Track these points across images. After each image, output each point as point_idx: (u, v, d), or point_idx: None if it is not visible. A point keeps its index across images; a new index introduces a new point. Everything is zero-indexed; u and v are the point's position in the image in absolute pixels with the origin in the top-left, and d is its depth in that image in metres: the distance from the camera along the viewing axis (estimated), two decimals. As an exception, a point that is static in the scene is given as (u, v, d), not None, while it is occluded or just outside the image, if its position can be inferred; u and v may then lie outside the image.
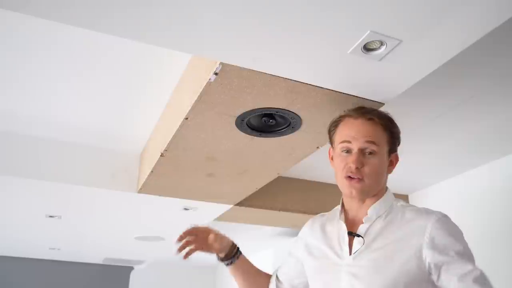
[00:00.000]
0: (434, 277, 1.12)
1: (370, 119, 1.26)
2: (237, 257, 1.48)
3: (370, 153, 1.22)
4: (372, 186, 1.23)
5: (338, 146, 1.27)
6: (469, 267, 1.09)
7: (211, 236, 1.46)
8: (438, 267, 1.11)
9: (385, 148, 1.25)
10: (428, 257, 1.12)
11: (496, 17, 1.15)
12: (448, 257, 1.10)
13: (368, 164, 1.22)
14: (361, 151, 1.23)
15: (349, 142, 1.24)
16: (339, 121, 1.32)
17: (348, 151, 1.24)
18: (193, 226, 1.47)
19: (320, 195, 2.94)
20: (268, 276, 1.53)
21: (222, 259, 1.48)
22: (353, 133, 1.25)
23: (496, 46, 1.58)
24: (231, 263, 1.47)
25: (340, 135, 1.28)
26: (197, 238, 1.45)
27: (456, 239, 1.13)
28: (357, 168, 1.21)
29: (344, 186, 1.24)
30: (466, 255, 1.11)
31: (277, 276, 1.50)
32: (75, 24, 1.21)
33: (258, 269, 1.53)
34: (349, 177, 1.22)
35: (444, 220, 1.16)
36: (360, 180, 1.21)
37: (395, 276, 1.12)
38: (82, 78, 1.93)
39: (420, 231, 1.15)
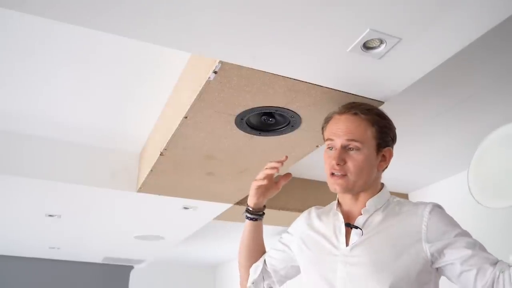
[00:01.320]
0: (438, 262, 1.15)
1: (354, 114, 1.26)
2: (262, 218, 1.51)
3: (353, 149, 1.23)
4: (356, 182, 1.23)
5: (325, 144, 1.30)
6: (471, 239, 1.15)
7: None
8: (441, 251, 1.14)
9: (371, 143, 1.25)
10: (429, 248, 1.14)
11: (496, 15, 1.14)
12: (449, 240, 1.14)
13: (351, 159, 1.22)
14: (344, 148, 1.23)
15: (332, 140, 1.26)
16: (329, 118, 1.33)
17: (333, 148, 1.26)
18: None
19: (319, 194, 2.94)
20: (264, 252, 1.56)
21: (251, 211, 1.49)
22: (335, 130, 1.26)
23: (496, 44, 1.58)
24: (256, 219, 1.50)
25: (326, 133, 1.31)
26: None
27: (452, 224, 1.18)
28: (338, 164, 1.22)
29: (329, 183, 1.26)
30: (464, 233, 1.17)
31: (265, 260, 1.52)
32: (73, 23, 1.21)
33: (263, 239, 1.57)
34: (332, 174, 1.24)
35: (438, 210, 1.20)
36: (343, 176, 1.22)
37: (394, 267, 1.13)
38: (81, 77, 1.92)
39: (417, 222, 1.17)
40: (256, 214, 1.49)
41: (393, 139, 1.31)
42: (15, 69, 1.85)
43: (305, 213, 1.47)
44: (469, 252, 1.11)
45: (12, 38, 1.66)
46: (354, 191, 1.25)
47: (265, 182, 1.43)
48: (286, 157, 1.45)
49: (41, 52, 1.74)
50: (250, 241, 1.52)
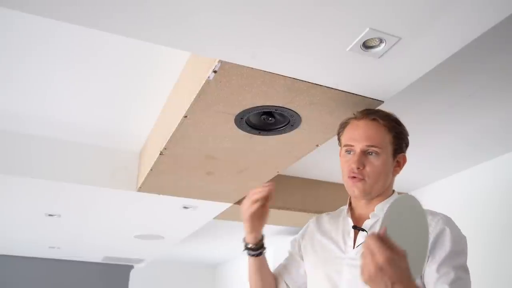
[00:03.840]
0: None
1: (373, 119, 1.28)
2: (265, 250, 1.40)
3: (372, 153, 1.25)
4: (374, 186, 1.25)
5: (343, 149, 1.31)
6: (452, 265, 1.12)
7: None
8: (429, 268, 1.13)
9: (388, 149, 1.27)
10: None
11: (496, 14, 1.14)
12: (438, 256, 1.13)
13: (370, 164, 1.24)
14: (363, 152, 1.25)
15: (351, 145, 1.28)
16: (346, 123, 1.35)
17: (351, 152, 1.28)
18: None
19: (319, 194, 2.94)
20: (274, 277, 1.46)
21: (252, 248, 1.37)
22: (355, 135, 1.28)
23: (495, 44, 1.58)
24: (260, 254, 1.38)
25: (345, 137, 1.32)
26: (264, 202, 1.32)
27: (451, 242, 1.15)
28: (358, 168, 1.24)
29: (348, 186, 1.28)
30: (456, 258, 1.13)
31: (284, 281, 1.44)
32: (73, 22, 1.21)
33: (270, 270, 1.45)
34: (352, 176, 1.25)
35: (446, 222, 1.19)
36: (362, 179, 1.24)
37: None
38: (81, 76, 1.92)
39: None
40: (260, 248, 1.38)
41: (406, 145, 1.34)
42: (15, 68, 1.85)
43: (314, 218, 1.48)
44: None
45: (12, 38, 1.65)
46: (371, 195, 1.27)
47: (256, 206, 1.31)
48: (270, 184, 1.33)
49: (40, 52, 1.74)
50: (260, 277, 1.40)
